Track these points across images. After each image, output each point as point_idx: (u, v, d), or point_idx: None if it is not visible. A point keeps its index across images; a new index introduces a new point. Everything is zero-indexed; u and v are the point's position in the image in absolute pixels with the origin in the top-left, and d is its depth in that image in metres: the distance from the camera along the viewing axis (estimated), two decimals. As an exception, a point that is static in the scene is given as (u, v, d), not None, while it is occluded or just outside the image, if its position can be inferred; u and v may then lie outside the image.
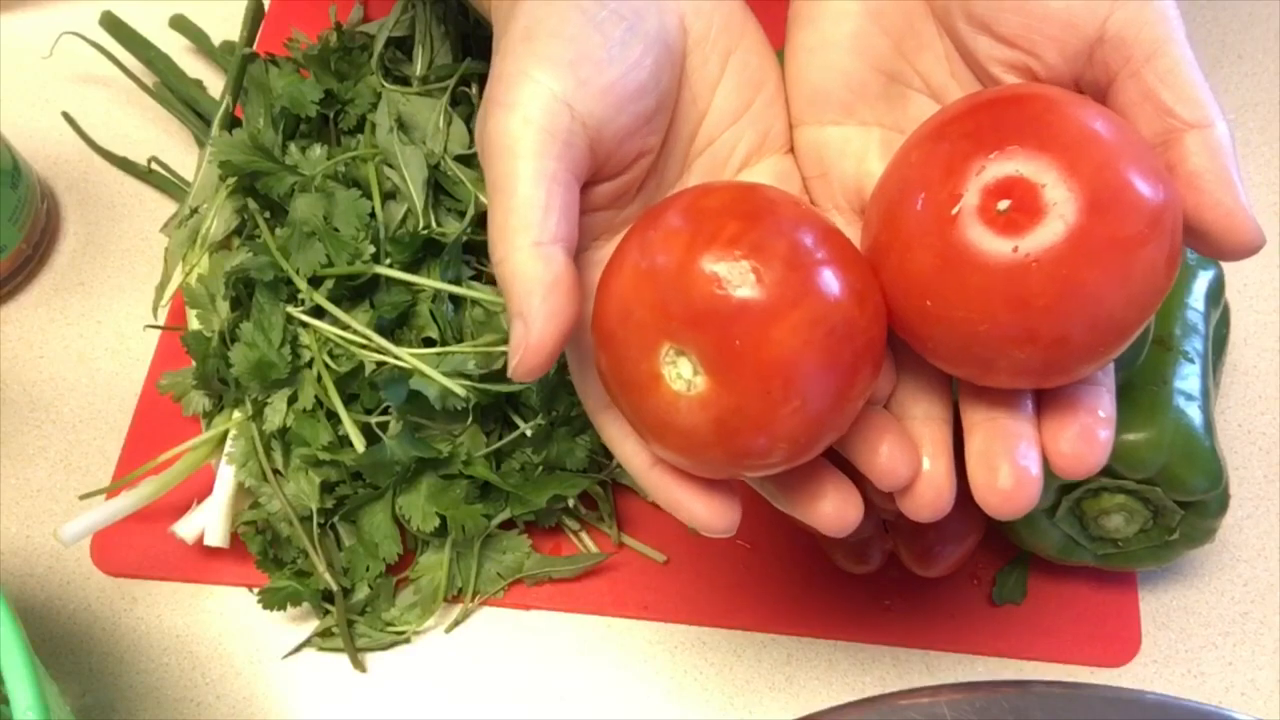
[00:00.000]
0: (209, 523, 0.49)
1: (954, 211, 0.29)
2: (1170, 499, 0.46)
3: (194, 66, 0.64)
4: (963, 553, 0.48)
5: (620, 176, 0.34)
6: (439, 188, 0.54)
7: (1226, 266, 0.52)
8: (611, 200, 0.35)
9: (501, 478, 0.50)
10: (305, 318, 0.49)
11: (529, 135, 0.31)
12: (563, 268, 0.31)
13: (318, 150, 0.53)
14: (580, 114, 0.32)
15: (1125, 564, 0.49)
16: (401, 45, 0.59)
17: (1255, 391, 0.57)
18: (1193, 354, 0.47)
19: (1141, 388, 0.46)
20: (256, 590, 0.49)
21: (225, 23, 0.65)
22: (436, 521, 0.49)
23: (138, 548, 0.52)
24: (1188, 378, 0.46)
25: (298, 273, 0.49)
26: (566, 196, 0.32)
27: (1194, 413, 0.45)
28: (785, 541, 0.52)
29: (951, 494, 0.33)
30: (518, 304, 0.31)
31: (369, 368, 0.49)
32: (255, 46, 0.61)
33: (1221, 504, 0.46)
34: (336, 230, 0.50)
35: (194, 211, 0.55)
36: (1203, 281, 0.50)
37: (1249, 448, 0.56)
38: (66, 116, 0.63)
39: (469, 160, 0.54)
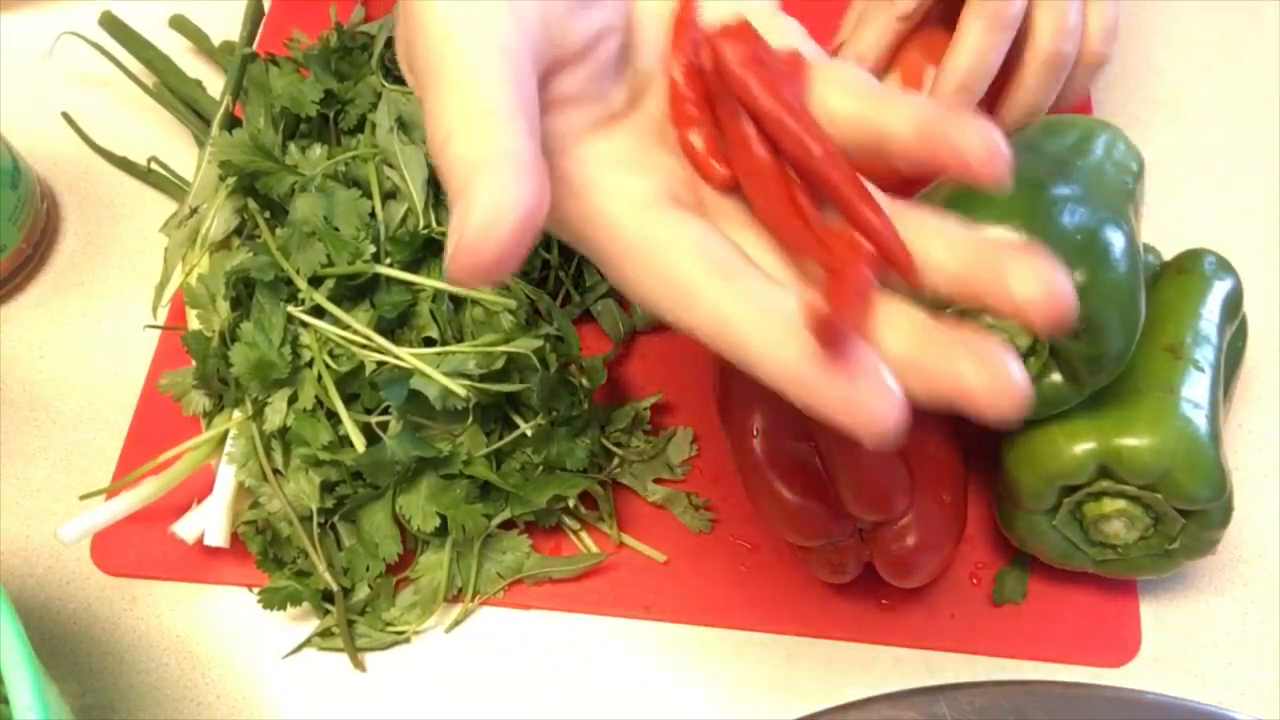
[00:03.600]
0: (209, 523, 0.49)
1: None
2: (1171, 507, 0.45)
3: (194, 66, 0.64)
4: (939, 562, 0.48)
5: (585, 62, 0.32)
6: (439, 187, 0.54)
7: (1227, 266, 0.52)
8: (581, 93, 0.32)
9: (501, 478, 0.50)
10: (305, 317, 0.49)
11: (465, 10, 0.28)
12: (522, 142, 0.26)
13: (318, 150, 0.53)
14: None
15: (1124, 571, 0.49)
16: (401, 45, 0.59)
17: (1256, 392, 0.57)
18: (1203, 364, 0.47)
19: (1147, 393, 0.46)
20: (256, 590, 0.49)
21: (225, 23, 0.65)
22: (436, 521, 0.49)
23: (138, 548, 0.52)
24: (1196, 387, 0.46)
25: (298, 272, 0.49)
26: (517, 68, 0.28)
27: (1200, 421, 0.45)
28: (785, 541, 0.52)
29: None
30: (459, 181, 0.26)
31: (369, 368, 0.49)
32: (255, 46, 0.61)
33: (1224, 515, 0.46)
34: (336, 230, 0.50)
35: (194, 211, 0.55)
36: (1218, 293, 0.50)
37: (1249, 448, 0.56)
38: (66, 116, 0.63)
39: (469, 160, 0.54)
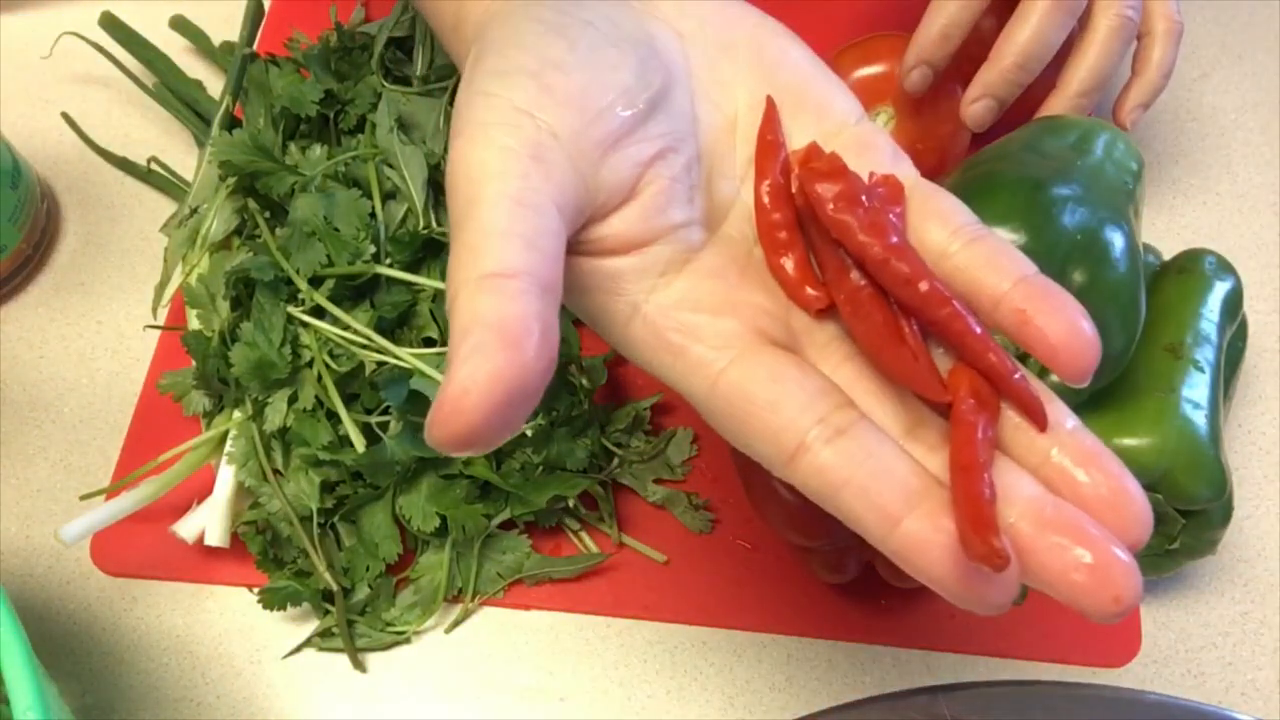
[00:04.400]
0: (209, 523, 0.49)
1: None
2: (1172, 507, 0.45)
3: (194, 66, 0.64)
4: None
5: (634, 200, 0.30)
6: (439, 187, 0.54)
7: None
8: (643, 233, 0.30)
9: (502, 478, 0.50)
10: (305, 318, 0.49)
11: (486, 156, 0.27)
12: (518, 307, 0.25)
13: (318, 150, 0.53)
14: (547, 124, 0.28)
15: (1125, 570, 0.49)
16: (401, 45, 0.59)
17: (1256, 392, 0.57)
18: (1203, 363, 0.47)
19: (1148, 394, 0.46)
20: (256, 590, 0.49)
21: (225, 23, 0.65)
22: (436, 521, 0.49)
23: (138, 548, 0.52)
24: (1196, 387, 0.46)
25: (298, 273, 0.49)
26: (535, 220, 0.27)
27: (1200, 421, 0.45)
28: (785, 541, 0.52)
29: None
30: (450, 344, 0.25)
31: (369, 368, 0.49)
32: (255, 46, 0.61)
33: (1224, 515, 0.46)
34: (337, 230, 0.50)
35: (194, 211, 0.55)
36: (1219, 292, 0.50)
37: (1249, 448, 0.56)
38: (66, 116, 0.63)
39: (469, 160, 0.54)
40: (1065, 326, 0.28)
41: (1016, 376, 0.29)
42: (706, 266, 0.32)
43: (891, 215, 0.31)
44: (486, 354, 0.24)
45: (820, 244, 0.32)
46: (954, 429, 0.29)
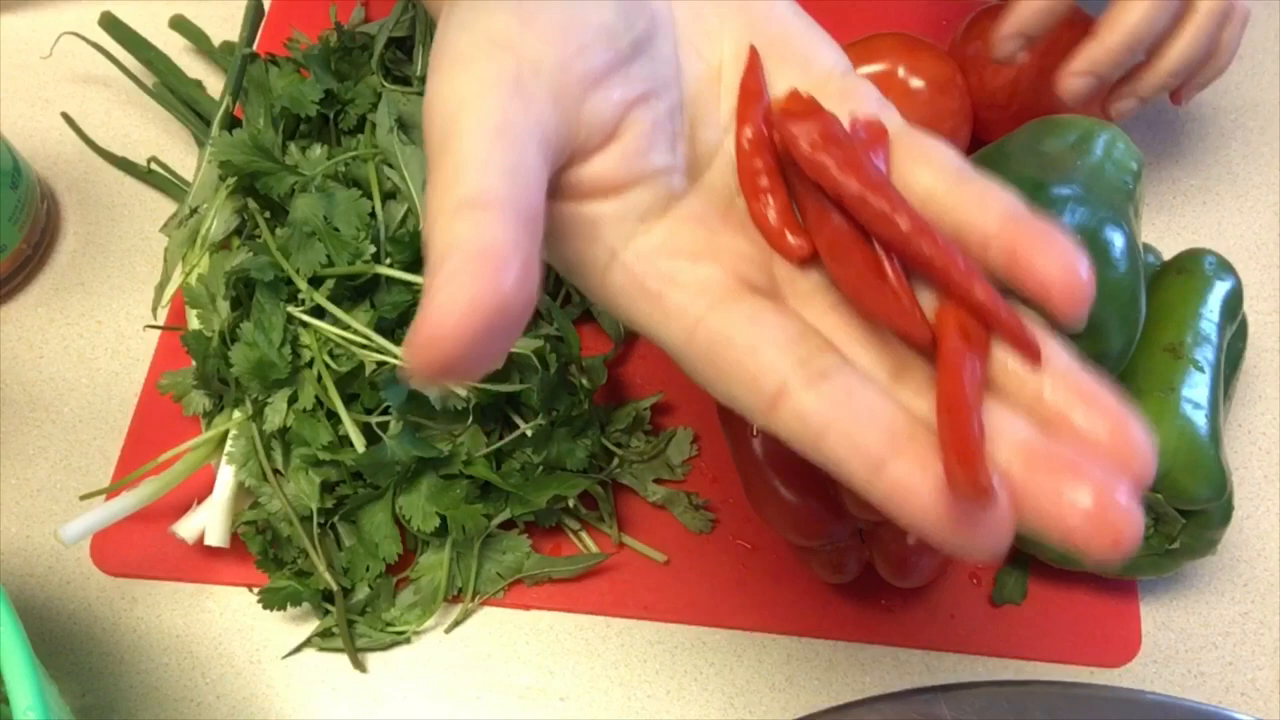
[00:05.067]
0: (209, 523, 0.49)
1: None
2: (1172, 507, 0.45)
3: (194, 66, 0.64)
4: (938, 563, 0.48)
5: (616, 141, 0.30)
6: (439, 188, 0.54)
7: (1226, 267, 0.52)
8: (625, 176, 0.30)
9: (502, 478, 0.50)
10: (305, 318, 0.49)
11: (465, 88, 0.26)
12: (496, 236, 0.24)
13: (318, 150, 0.53)
14: (529, 57, 0.27)
15: (1124, 571, 0.49)
16: (401, 45, 0.59)
17: (1256, 392, 0.57)
18: (1203, 363, 0.47)
19: (1148, 393, 0.46)
20: (256, 590, 0.49)
21: (225, 23, 0.65)
22: (436, 521, 0.49)
23: (138, 548, 0.52)
24: (1196, 386, 0.46)
25: (298, 273, 0.49)
26: (515, 151, 0.26)
27: (1200, 421, 0.45)
28: (785, 541, 0.52)
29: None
30: (428, 271, 0.24)
31: (369, 368, 0.49)
32: (255, 46, 0.61)
33: (1224, 515, 0.46)
34: (337, 230, 0.50)
35: (194, 211, 0.55)
36: (1219, 292, 0.50)
37: (1249, 448, 0.56)
38: (66, 116, 0.63)
39: (469, 160, 0.54)
40: (1059, 264, 0.27)
41: (1006, 309, 0.28)
42: (687, 213, 0.31)
43: (872, 155, 0.30)
44: (463, 281, 0.23)
45: (801, 189, 0.31)
46: (940, 369, 0.27)
